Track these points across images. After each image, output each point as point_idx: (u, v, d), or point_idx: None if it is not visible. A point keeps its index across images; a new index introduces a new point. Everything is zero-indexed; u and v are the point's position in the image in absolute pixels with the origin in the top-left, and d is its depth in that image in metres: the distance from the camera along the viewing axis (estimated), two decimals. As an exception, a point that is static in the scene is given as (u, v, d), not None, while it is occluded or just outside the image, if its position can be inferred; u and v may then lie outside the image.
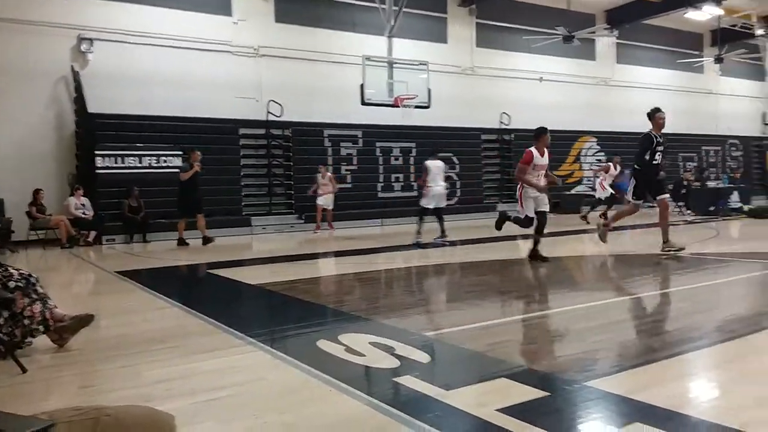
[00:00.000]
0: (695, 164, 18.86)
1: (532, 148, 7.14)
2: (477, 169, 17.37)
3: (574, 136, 18.73)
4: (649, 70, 20.57)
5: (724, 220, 13.33)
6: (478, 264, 7.76)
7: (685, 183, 15.96)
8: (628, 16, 18.46)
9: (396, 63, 14.62)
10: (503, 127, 17.54)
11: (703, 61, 21.03)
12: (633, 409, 2.49)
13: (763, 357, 3.30)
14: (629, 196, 7.92)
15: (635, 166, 7.70)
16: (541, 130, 7.23)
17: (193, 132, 12.99)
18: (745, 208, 14.50)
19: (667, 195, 7.91)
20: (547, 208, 7.31)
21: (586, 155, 19.18)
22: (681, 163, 19.28)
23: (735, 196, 15.45)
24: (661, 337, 3.83)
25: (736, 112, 22.39)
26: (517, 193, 7.33)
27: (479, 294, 5.53)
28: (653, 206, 8.28)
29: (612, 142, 19.52)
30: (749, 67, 22.25)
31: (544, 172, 7.24)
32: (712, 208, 14.52)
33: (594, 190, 14.44)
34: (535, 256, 7.24)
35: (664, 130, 7.59)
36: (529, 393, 2.64)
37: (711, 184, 17.62)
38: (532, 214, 7.12)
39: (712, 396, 2.77)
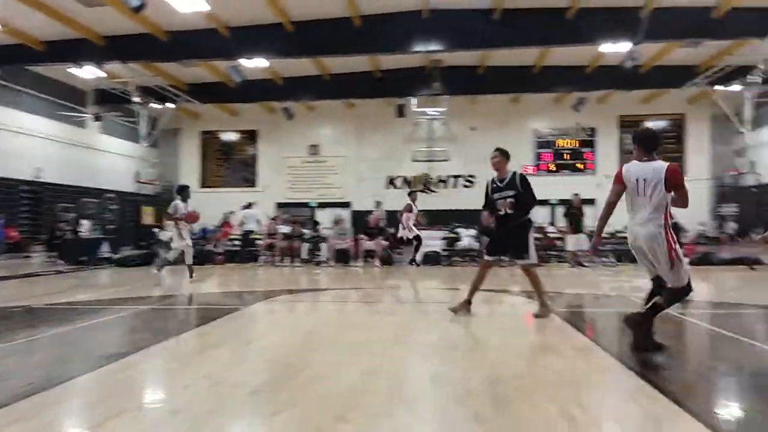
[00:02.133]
0: (74, 215, 19.35)
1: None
2: None
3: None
4: (31, 116, 20.09)
5: (94, 269, 14.30)
6: None
7: (59, 233, 16.31)
8: (10, 59, 17.69)
9: None
10: None
11: (84, 117, 22.20)
12: None
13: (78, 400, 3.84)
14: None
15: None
16: None
17: None
18: (114, 257, 15.94)
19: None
20: None
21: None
22: (61, 213, 19.48)
23: (106, 246, 16.75)
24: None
25: (115, 169, 24.45)
26: (666, 248, 4.47)
27: None
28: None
29: (-14, 186, 17.99)
30: (127, 129, 24.76)
31: None
32: (84, 258, 15.36)
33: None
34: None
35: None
36: None
37: (84, 234, 18.26)
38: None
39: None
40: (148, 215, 24.51)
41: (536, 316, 6.50)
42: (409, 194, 14.70)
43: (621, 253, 14.57)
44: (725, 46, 18.08)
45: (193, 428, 3.07)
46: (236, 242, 16.24)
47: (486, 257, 6.75)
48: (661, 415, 3.14)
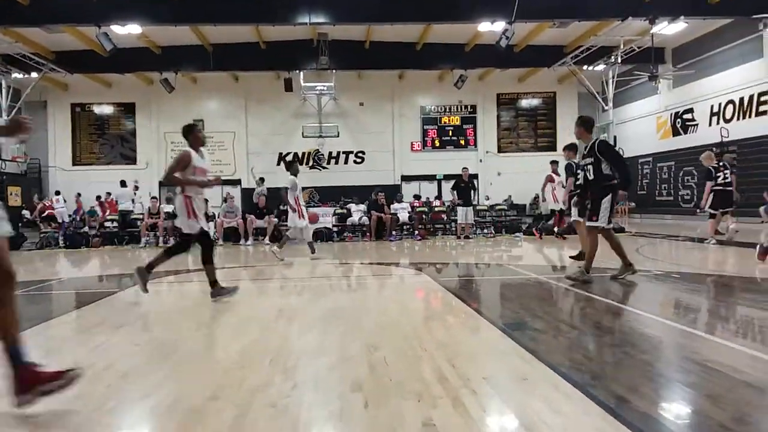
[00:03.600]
0: None
1: None
2: None
3: None
4: None
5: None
6: None
7: None
8: None
9: None
10: None
11: (-71, 87, 19.72)
12: None
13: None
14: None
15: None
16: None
17: None
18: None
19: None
20: None
21: None
22: None
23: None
24: None
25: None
26: None
27: None
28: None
29: None
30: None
31: None
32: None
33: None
34: None
35: None
36: None
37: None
38: None
39: None
40: (14, 196, 22.49)
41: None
42: (553, 163, 13.33)
43: (500, 225, 15.46)
44: (590, 26, 19.41)
45: (54, 417, 2.90)
46: (114, 223, 15.28)
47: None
48: (527, 373, 3.39)
